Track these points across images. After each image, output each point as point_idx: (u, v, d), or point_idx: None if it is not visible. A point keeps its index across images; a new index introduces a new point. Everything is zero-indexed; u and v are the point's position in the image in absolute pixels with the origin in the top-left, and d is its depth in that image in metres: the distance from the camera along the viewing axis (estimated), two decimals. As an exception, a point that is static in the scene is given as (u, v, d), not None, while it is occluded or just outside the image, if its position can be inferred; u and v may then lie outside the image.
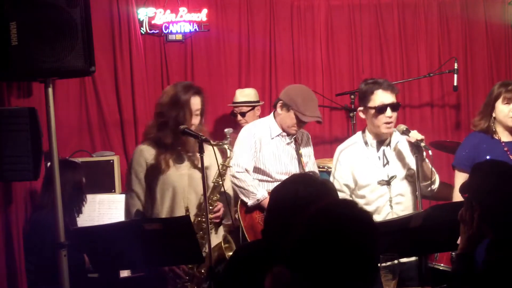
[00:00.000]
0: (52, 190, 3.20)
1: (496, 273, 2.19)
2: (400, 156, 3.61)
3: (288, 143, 4.13)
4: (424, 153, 3.48)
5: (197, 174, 3.39)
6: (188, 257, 3.06)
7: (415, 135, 3.44)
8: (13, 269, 3.53)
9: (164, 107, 3.34)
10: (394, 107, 3.54)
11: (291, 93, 4.08)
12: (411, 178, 3.60)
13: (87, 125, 5.27)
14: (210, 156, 3.34)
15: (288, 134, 4.12)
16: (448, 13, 5.97)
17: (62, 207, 3.15)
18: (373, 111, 3.53)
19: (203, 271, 3.34)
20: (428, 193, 3.58)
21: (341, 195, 3.62)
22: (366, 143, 3.63)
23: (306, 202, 2.11)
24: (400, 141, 3.63)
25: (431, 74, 5.74)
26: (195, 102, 3.35)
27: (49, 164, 3.49)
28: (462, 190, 2.43)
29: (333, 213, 1.68)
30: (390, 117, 3.52)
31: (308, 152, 4.24)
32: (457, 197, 3.66)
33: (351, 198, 3.64)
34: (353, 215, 1.67)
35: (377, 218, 3.56)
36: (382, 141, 3.62)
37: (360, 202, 3.60)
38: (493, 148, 3.60)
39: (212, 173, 3.44)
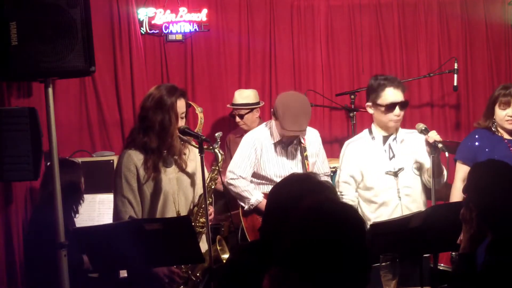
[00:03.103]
0: (51, 190, 3.20)
1: (497, 273, 2.19)
2: (406, 150, 3.66)
3: (291, 146, 4.08)
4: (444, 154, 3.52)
5: (185, 178, 3.37)
6: (188, 257, 3.05)
7: (433, 135, 3.46)
8: (13, 268, 3.53)
9: (149, 111, 3.24)
10: (402, 105, 3.59)
11: (277, 102, 3.96)
12: (418, 171, 3.64)
13: (87, 125, 5.28)
14: (196, 161, 3.34)
15: (289, 143, 4.05)
16: (448, 13, 5.97)
17: (62, 207, 3.15)
18: (382, 108, 3.58)
19: (198, 274, 3.33)
20: (437, 187, 3.59)
21: (347, 187, 3.70)
22: (372, 137, 3.68)
23: (300, 201, 2.11)
24: (406, 136, 3.68)
25: (431, 74, 5.74)
26: (181, 105, 3.27)
27: (48, 163, 3.49)
28: (463, 189, 2.43)
29: (316, 212, 1.67)
30: (398, 115, 3.58)
31: (315, 151, 4.14)
32: (457, 189, 3.70)
33: (355, 193, 3.70)
34: (335, 211, 1.67)
35: (386, 211, 3.60)
36: (388, 135, 3.67)
37: (368, 194, 3.66)
38: (496, 144, 3.69)
39: (199, 178, 3.37)
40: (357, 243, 1.63)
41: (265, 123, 4.29)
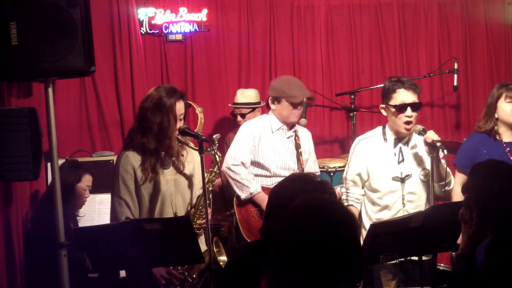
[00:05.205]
0: (52, 189, 3.20)
1: (496, 273, 2.19)
2: (416, 156, 3.65)
3: (288, 137, 4.14)
4: (441, 154, 3.52)
5: (183, 179, 3.37)
6: (188, 257, 3.05)
7: (431, 135, 3.48)
8: (13, 268, 3.53)
9: (148, 112, 3.23)
10: (414, 107, 3.58)
11: (275, 85, 4.15)
12: (425, 178, 3.63)
13: (87, 125, 5.28)
14: (194, 162, 3.35)
15: (290, 127, 4.13)
16: (448, 13, 5.98)
17: (62, 207, 3.15)
18: (393, 109, 3.57)
19: (194, 275, 3.32)
20: (442, 194, 3.61)
21: (353, 185, 3.73)
22: (385, 138, 3.67)
23: None
24: (419, 141, 3.65)
25: (431, 74, 5.75)
26: (180, 107, 3.26)
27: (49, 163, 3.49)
28: (463, 189, 2.44)
29: (304, 213, 1.67)
30: (410, 117, 3.55)
31: (308, 149, 4.24)
32: (456, 194, 3.69)
33: (361, 190, 3.72)
34: (322, 212, 1.65)
35: (388, 214, 3.62)
36: (400, 138, 3.66)
37: (373, 195, 3.67)
38: (494, 149, 3.64)
39: (197, 180, 3.39)
40: (341, 242, 1.61)
41: (262, 115, 4.34)
